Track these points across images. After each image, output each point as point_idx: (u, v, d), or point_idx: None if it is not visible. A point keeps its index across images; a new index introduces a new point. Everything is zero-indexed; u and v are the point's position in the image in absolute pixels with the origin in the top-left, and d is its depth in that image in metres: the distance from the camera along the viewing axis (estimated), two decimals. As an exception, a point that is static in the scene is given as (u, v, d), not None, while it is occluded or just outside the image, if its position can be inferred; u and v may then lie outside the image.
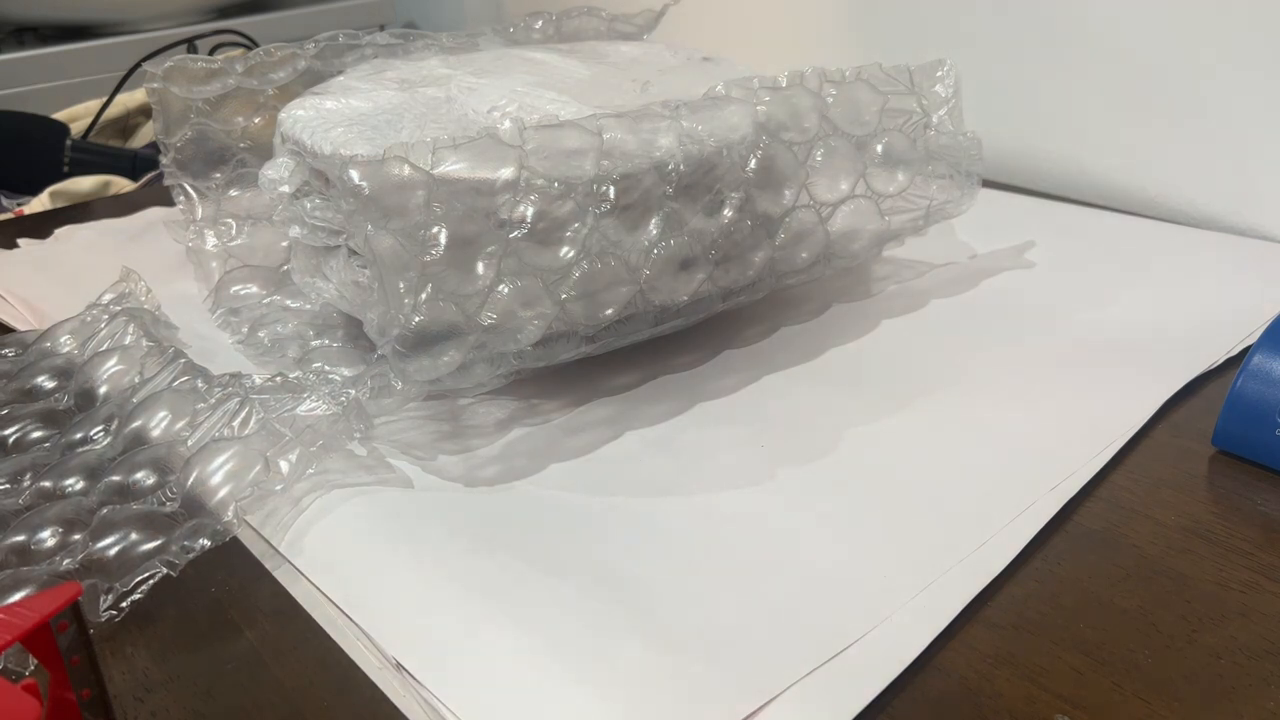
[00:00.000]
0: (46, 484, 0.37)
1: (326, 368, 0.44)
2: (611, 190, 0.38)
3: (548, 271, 0.38)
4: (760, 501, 0.36)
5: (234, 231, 0.52)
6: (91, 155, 0.77)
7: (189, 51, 0.84)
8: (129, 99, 0.84)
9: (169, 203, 0.66)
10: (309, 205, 0.42)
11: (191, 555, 0.33)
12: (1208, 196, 0.59)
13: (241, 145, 0.52)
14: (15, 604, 0.25)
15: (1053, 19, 0.63)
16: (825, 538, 0.34)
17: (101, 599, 0.32)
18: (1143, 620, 0.30)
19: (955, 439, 0.39)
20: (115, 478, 0.36)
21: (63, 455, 0.39)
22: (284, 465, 0.36)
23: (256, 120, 0.53)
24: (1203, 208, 0.59)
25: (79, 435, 0.40)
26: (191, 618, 0.32)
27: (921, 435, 0.39)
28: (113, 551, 0.33)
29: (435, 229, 0.36)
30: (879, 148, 0.47)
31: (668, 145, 0.40)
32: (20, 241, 0.62)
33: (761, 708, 0.27)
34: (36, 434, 0.41)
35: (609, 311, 0.39)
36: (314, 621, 0.32)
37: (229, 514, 0.34)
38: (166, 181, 0.52)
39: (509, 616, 0.31)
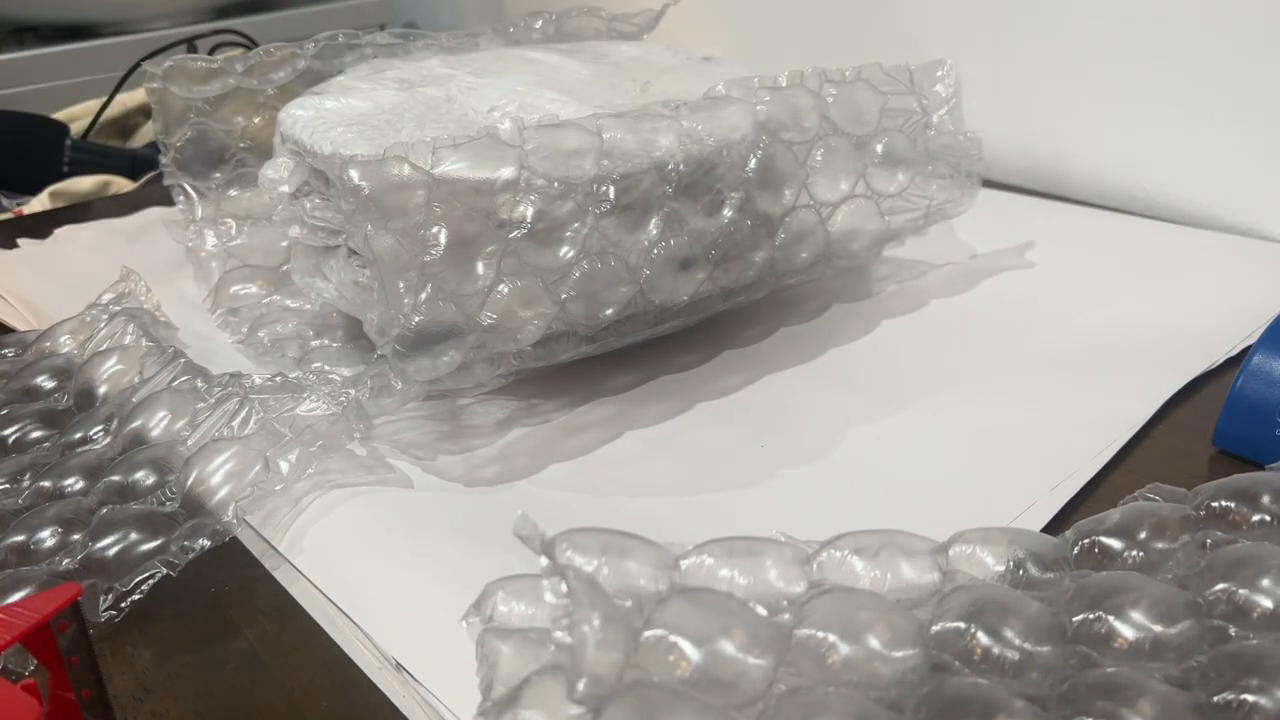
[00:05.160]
0: (46, 484, 0.37)
1: (326, 368, 0.44)
2: (611, 190, 0.38)
3: (548, 271, 0.38)
4: (760, 501, 0.36)
5: (234, 231, 0.52)
6: (91, 155, 0.77)
7: (189, 51, 0.84)
8: (129, 99, 0.84)
9: (169, 203, 0.66)
10: (309, 205, 0.42)
11: (191, 555, 0.33)
12: (1208, 197, 0.59)
13: (241, 145, 0.52)
14: (15, 604, 0.25)
15: (1053, 19, 0.63)
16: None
17: (101, 599, 0.32)
18: (1143, 620, 0.30)
19: (955, 439, 0.39)
20: (115, 478, 0.36)
21: (62, 455, 0.39)
22: (284, 465, 0.36)
23: (256, 120, 0.53)
24: (1203, 208, 0.59)
25: (79, 435, 0.40)
26: (191, 618, 0.32)
27: (921, 435, 0.39)
28: (112, 551, 0.33)
29: (435, 229, 0.36)
30: (879, 148, 0.47)
31: (668, 145, 0.40)
32: (20, 241, 0.62)
33: (761, 707, 0.27)
34: (36, 434, 0.41)
35: (609, 311, 0.39)
36: (314, 621, 0.32)
37: (229, 514, 0.34)
38: (166, 181, 0.52)
39: (509, 616, 0.31)
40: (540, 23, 0.61)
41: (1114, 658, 0.25)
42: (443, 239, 0.36)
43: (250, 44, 0.91)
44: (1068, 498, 0.35)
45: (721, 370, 0.45)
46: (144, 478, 0.36)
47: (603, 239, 0.38)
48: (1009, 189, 0.65)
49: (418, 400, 0.42)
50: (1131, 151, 0.62)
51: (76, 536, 0.34)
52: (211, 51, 0.88)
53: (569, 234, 0.38)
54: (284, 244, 0.51)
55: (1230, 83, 0.56)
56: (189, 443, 0.38)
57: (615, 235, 0.39)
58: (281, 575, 0.34)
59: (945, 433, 0.39)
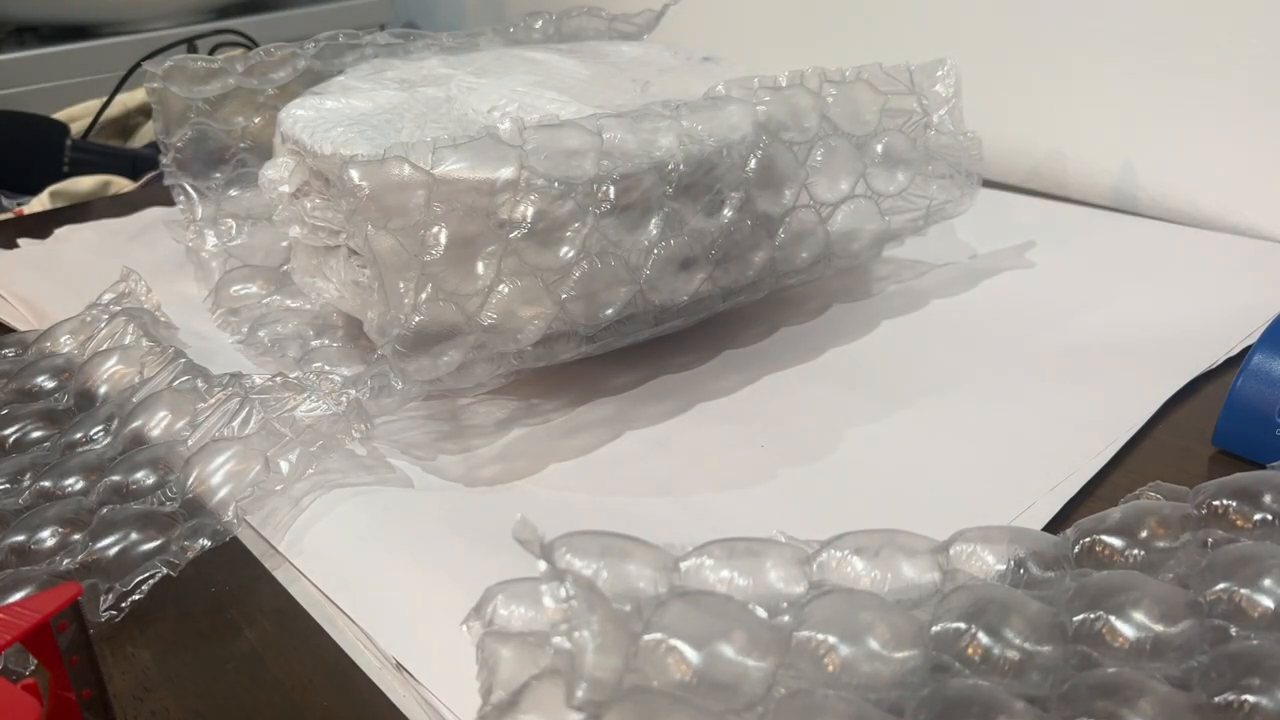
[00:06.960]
0: (46, 484, 0.37)
1: (326, 368, 0.44)
2: (611, 190, 0.38)
3: (548, 271, 0.38)
4: (760, 501, 0.36)
5: (234, 231, 0.52)
6: (91, 155, 0.77)
7: (189, 51, 0.84)
8: (129, 99, 0.84)
9: (169, 203, 0.66)
10: (309, 205, 0.42)
11: (191, 555, 0.33)
12: (1208, 196, 0.59)
13: (241, 145, 0.52)
14: (15, 604, 0.25)
15: (1053, 19, 0.63)
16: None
17: (101, 599, 0.32)
18: (1143, 620, 0.30)
19: (955, 439, 0.39)
20: (115, 478, 0.36)
21: (63, 455, 0.39)
22: (284, 465, 0.36)
23: (256, 120, 0.53)
24: (1203, 208, 0.59)
25: (79, 435, 0.40)
26: (191, 618, 0.32)
27: (921, 435, 0.39)
28: (113, 551, 0.33)
29: (435, 229, 0.36)
30: (879, 148, 0.47)
31: (668, 145, 0.40)
32: (20, 241, 0.62)
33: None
34: (36, 434, 0.41)
35: (609, 311, 0.39)
36: (314, 621, 0.32)
37: (229, 514, 0.35)
38: (166, 181, 0.52)
39: (509, 617, 0.31)
40: (540, 23, 0.61)
41: (1114, 658, 0.25)
42: (443, 239, 0.36)
43: (250, 44, 0.91)
44: (1068, 497, 0.35)
45: (721, 370, 0.45)
46: (144, 478, 0.36)
47: (603, 239, 0.38)
48: (1009, 189, 0.65)
49: (418, 400, 0.42)
50: (1131, 151, 0.62)
51: (77, 536, 0.34)
52: (211, 51, 0.88)
53: (569, 234, 0.38)
54: (284, 244, 0.51)
55: (1230, 83, 0.56)
56: (189, 443, 0.38)
57: (615, 235, 0.39)
58: (281, 575, 0.34)
59: (945, 433, 0.39)
